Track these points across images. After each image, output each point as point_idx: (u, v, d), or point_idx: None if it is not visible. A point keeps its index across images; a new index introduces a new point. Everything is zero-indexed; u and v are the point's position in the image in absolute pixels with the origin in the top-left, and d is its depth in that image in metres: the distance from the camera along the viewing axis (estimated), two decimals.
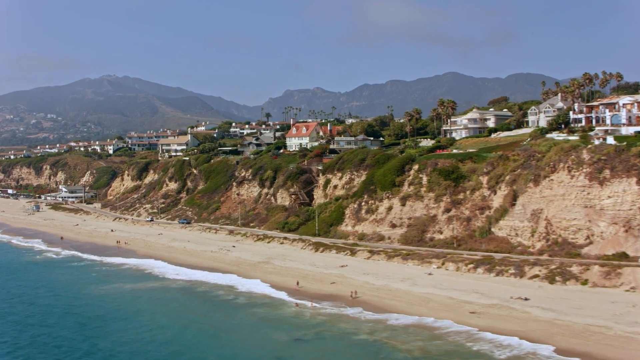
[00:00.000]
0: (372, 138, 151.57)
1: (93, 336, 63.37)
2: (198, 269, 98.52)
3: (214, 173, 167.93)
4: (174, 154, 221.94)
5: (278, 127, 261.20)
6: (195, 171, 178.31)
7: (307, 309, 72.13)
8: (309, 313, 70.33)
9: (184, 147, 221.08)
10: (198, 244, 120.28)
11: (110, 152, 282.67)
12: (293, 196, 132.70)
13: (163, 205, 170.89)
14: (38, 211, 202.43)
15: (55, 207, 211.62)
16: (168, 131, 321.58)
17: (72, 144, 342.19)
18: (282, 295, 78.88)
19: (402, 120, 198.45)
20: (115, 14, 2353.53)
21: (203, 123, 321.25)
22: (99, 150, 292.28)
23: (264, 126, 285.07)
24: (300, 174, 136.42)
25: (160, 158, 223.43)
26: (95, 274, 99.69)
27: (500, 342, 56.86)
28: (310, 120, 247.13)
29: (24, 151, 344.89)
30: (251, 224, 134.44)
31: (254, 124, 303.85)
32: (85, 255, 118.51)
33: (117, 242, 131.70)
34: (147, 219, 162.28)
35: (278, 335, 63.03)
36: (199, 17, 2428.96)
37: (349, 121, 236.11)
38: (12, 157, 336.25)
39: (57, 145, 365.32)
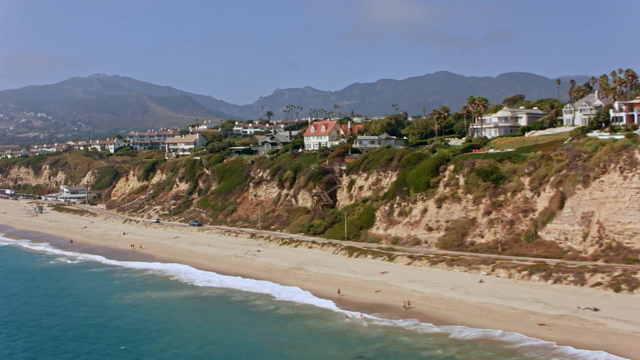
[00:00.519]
0: (394, 137, 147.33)
1: (142, 353, 58.63)
2: (227, 275, 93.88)
3: (228, 173, 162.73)
4: (181, 153, 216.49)
5: (282, 126, 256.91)
6: (207, 171, 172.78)
7: (358, 320, 67.93)
8: (365, 325, 66.06)
9: (192, 146, 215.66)
10: (220, 248, 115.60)
11: (112, 151, 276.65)
12: (315, 197, 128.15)
13: (174, 207, 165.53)
14: (41, 212, 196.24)
15: (59, 208, 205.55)
16: (170, 130, 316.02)
17: (71, 143, 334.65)
18: (329, 305, 74.41)
19: (413, 119, 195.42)
20: (104, 12, 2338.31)
21: (204, 122, 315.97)
22: (99, 150, 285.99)
23: (267, 125, 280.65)
24: (322, 174, 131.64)
25: (167, 157, 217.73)
26: (118, 281, 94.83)
27: (584, 358, 53.04)
28: (312, 118, 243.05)
29: (22, 150, 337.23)
30: (272, 227, 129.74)
31: (256, 122, 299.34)
32: (104, 261, 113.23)
33: (132, 245, 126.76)
34: (153, 221, 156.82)
35: (336, 351, 58.75)
36: (192, 16, 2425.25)
37: (355, 120, 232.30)
38: (9, 156, 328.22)
39: (56, 144, 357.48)
